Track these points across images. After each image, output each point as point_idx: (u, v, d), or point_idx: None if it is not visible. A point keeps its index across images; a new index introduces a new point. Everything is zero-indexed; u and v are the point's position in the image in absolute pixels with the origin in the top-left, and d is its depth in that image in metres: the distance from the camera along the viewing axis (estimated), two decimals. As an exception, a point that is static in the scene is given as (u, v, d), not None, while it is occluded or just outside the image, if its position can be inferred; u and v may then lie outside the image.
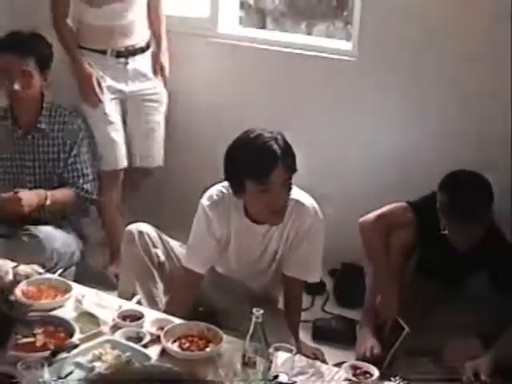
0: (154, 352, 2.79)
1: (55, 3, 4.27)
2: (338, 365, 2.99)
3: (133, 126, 4.48)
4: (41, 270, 3.32)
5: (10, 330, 2.43)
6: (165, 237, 3.64)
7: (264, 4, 5.73)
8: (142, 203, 4.61)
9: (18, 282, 3.18)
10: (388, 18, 4.25)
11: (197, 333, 2.91)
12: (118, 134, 4.39)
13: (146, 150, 4.54)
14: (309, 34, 5.42)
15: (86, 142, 4.07)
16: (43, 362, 2.59)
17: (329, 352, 3.67)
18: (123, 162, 4.44)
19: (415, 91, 4.28)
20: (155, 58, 4.50)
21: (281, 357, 2.65)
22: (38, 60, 3.85)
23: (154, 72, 4.49)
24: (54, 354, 2.69)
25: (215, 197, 3.35)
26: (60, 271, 3.43)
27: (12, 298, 3.00)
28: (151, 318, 3.03)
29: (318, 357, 3.41)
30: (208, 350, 2.82)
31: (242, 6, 5.20)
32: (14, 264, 3.31)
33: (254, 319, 2.53)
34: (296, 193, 3.28)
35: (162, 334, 2.86)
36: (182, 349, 2.82)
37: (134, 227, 3.59)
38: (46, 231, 3.87)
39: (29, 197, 3.82)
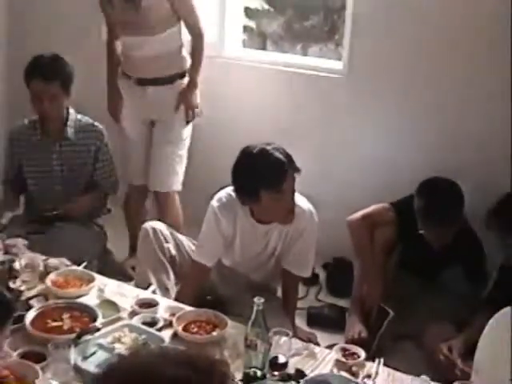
0: (166, 335, 2.81)
1: (108, 28, 4.30)
2: (330, 347, 3.00)
3: (151, 150, 4.38)
4: (68, 263, 3.33)
5: (11, 313, 2.44)
6: (175, 233, 3.66)
7: (264, 28, 5.75)
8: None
9: (48, 273, 3.20)
10: (374, 40, 4.26)
11: (205, 318, 2.92)
12: (134, 152, 4.37)
13: (154, 174, 4.34)
14: (304, 54, 5.43)
15: (108, 149, 4.04)
16: (70, 343, 2.61)
17: (321, 336, 3.66)
18: (137, 179, 4.42)
19: (398, 104, 4.29)
20: (180, 94, 4.25)
21: (279, 340, 2.67)
22: (62, 82, 3.81)
23: (176, 107, 4.24)
24: (80, 336, 2.70)
25: (224, 199, 3.36)
26: (85, 264, 3.44)
27: (12, 285, 3.04)
28: (164, 305, 3.05)
29: (311, 340, 3.39)
30: (214, 333, 2.83)
31: (245, 29, 5.21)
32: (44, 257, 3.33)
33: (255, 307, 2.54)
34: (295, 197, 3.29)
35: (174, 319, 2.87)
36: (192, 333, 2.83)
37: (149, 225, 3.60)
38: (72, 228, 3.87)
39: (84, 203, 3.96)
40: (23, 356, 2.59)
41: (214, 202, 3.37)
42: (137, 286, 3.45)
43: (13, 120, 4.25)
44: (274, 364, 2.61)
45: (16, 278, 3.18)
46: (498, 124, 3.95)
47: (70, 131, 3.92)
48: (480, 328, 2.65)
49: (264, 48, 5.59)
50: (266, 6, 5.61)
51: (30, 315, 2.83)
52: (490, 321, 2.64)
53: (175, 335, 2.82)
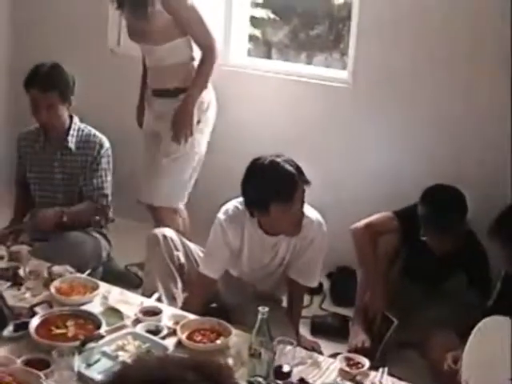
0: (170, 343, 2.81)
1: None
2: (333, 356, 3.00)
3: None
4: (72, 270, 3.33)
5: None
6: (185, 241, 3.65)
7: (270, 37, 5.76)
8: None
9: (52, 280, 3.20)
10: (379, 50, 4.27)
11: (209, 327, 2.92)
12: (143, 166, 4.28)
13: (145, 186, 4.17)
14: (309, 63, 5.44)
15: (106, 160, 3.99)
16: (74, 351, 2.62)
17: (325, 345, 3.66)
18: (139, 195, 4.24)
19: (403, 114, 4.29)
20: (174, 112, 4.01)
21: (283, 349, 2.66)
22: (60, 92, 3.81)
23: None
24: (84, 343, 2.71)
25: (231, 212, 3.35)
26: (89, 271, 3.44)
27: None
28: (168, 313, 3.05)
29: (315, 349, 3.40)
30: (218, 342, 2.83)
31: (250, 38, 5.22)
32: (49, 264, 3.33)
33: (260, 316, 2.54)
34: (304, 207, 3.28)
35: (177, 327, 2.87)
36: (196, 341, 2.83)
37: (159, 231, 3.60)
38: (76, 236, 3.86)
39: (47, 215, 3.78)
40: (27, 363, 2.59)
41: (221, 215, 3.36)
42: (144, 292, 3.44)
43: (18, 127, 4.25)
44: (278, 373, 2.61)
45: (21, 284, 3.19)
46: (502, 134, 3.94)
47: (71, 140, 3.92)
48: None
49: (269, 57, 5.60)
50: (272, 15, 5.61)
51: (34, 322, 2.83)
52: (475, 329, 2.66)
53: (179, 343, 2.82)
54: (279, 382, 2.60)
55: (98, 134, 3.99)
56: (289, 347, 2.66)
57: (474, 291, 3.70)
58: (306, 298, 4.07)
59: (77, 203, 3.94)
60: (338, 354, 2.99)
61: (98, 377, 2.55)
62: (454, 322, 3.56)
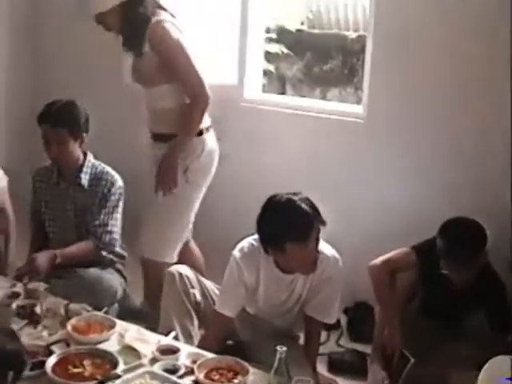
0: (188, 383, 2.79)
1: None
2: (351, 394, 2.98)
3: None
4: (89, 308, 3.33)
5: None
6: (201, 278, 3.64)
7: (284, 72, 5.79)
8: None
9: (69, 319, 3.20)
10: (393, 83, 4.28)
11: (226, 365, 2.90)
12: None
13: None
14: (323, 98, 5.47)
15: (116, 198, 3.98)
16: (91, 391, 2.62)
17: (343, 382, 3.64)
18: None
19: (418, 147, 4.29)
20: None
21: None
22: (70, 129, 3.82)
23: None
24: (101, 383, 2.70)
25: (246, 249, 3.35)
26: (105, 309, 3.44)
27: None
28: (186, 351, 3.03)
29: (333, 387, 3.40)
30: (236, 381, 2.81)
31: (265, 73, 5.25)
32: (66, 302, 3.33)
33: (278, 355, 2.53)
34: (320, 243, 3.27)
35: (195, 366, 2.86)
36: (213, 380, 2.81)
37: (175, 269, 3.59)
38: (93, 273, 3.86)
39: (41, 260, 3.68)
40: (44, 403, 2.59)
41: (236, 252, 3.36)
42: (160, 330, 3.42)
43: (37, 164, 4.29)
44: (296, 413, 2.59)
45: (37, 322, 3.19)
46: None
47: (84, 177, 3.94)
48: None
49: (283, 91, 5.63)
50: (286, 50, 5.66)
51: (51, 361, 2.82)
52: (483, 368, 2.64)
53: (196, 383, 2.80)
54: (298, 422, 2.58)
55: (111, 171, 4.00)
56: (307, 386, 2.64)
57: (493, 327, 3.67)
58: (323, 334, 4.04)
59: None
60: (356, 392, 2.96)
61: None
62: (474, 359, 3.52)
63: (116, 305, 3.98)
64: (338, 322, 4.31)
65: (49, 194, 4.04)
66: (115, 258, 4.04)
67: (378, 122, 4.38)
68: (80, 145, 3.92)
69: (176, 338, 3.30)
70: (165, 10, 3.87)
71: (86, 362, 2.86)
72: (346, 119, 4.52)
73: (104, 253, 3.95)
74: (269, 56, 5.44)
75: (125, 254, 4.08)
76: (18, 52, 5.59)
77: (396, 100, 4.31)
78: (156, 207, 3.91)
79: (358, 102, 4.68)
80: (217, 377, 2.83)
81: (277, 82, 5.83)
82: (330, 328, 4.18)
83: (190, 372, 2.86)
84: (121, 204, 4.01)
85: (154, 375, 2.80)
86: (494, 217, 3.87)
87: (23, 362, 2.48)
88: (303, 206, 3.16)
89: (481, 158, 4.11)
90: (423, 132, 4.26)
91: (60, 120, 3.82)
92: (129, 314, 3.88)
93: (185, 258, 4.08)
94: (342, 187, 4.53)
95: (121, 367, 2.82)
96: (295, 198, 3.18)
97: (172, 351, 3.00)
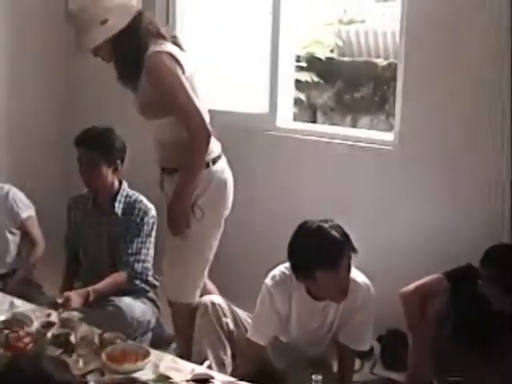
0: (222, 411, 2.81)
1: None
2: (386, 423, 2.96)
3: None
4: (123, 337, 3.35)
5: None
6: (234, 307, 3.66)
7: (314, 100, 5.82)
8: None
9: (104, 347, 3.22)
10: (425, 110, 4.28)
11: (260, 394, 2.92)
12: None
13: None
14: (354, 125, 5.48)
15: (149, 228, 4.00)
16: (128, 421, 2.63)
17: (377, 411, 3.63)
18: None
19: (452, 174, 4.27)
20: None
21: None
22: (102, 154, 3.88)
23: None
24: (136, 412, 2.72)
25: (278, 277, 3.36)
26: (139, 338, 3.45)
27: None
28: (220, 380, 3.03)
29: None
30: (269, 410, 2.82)
31: (296, 102, 5.29)
32: (100, 331, 3.36)
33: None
34: (351, 271, 3.28)
35: (229, 395, 2.87)
36: (246, 408, 2.83)
37: (208, 299, 3.61)
38: (126, 302, 3.88)
39: (75, 299, 3.66)
40: (79, 433, 2.60)
41: (269, 281, 3.38)
42: (194, 359, 3.43)
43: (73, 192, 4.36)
44: None
45: (72, 351, 3.21)
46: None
47: (118, 206, 3.99)
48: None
49: (314, 120, 5.66)
50: (316, 79, 5.69)
51: (83, 391, 2.85)
52: None
53: (230, 411, 2.81)
54: None
55: (144, 200, 4.04)
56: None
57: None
58: (357, 363, 4.01)
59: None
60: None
61: None
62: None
63: (150, 334, 4.00)
64: (372, 349, 4.29)
65: (83, 221, 4.09)
66: (148, 288, 4.07)
67: (411, 149, 4.36)
68: (114, 172, 3.97)
69: (209, 367, 3.32)
70: (164, 38, 3.52)
71: (122, 392, 2.89)
72: (378, 147, 4.51)
73: (137, 282, 3.99)
74: (299, 84, 5.47)
75: (157, 283, 4.09)
76: (49, 78, 5.68)
77: (429, 127, 4.29)
78: (171, 248, 3.66)
79: (390, 129, 4.68)
80: (250, 405, 2.84)
81: (308, 111, 5.85)
82: (363, 356, 4.15)
83: (224, 400, 2.87)
84: (153, 233, 4.04)
85: (188, 404, 2.82)
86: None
87: None
88: (334, 233, 3.17)
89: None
90: (458, 159, 4.23)
91: (94, 144, 3.89)
92: (162, 342, 3.91)
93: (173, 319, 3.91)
94: (373, 214, 4.52)
95: (155, 396, 2.84)
96: (326, 225, 3.20)
97: (206, 380, 3.01)
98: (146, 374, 3.05)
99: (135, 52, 3.45)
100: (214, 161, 3.59)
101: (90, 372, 3.03)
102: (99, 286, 3.83)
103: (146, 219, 3.99)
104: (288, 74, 4.98)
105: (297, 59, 5.44)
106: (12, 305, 3.72)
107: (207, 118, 3.46)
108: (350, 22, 7.27)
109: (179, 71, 3.41)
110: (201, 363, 3.28)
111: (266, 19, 4.84)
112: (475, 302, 3.56)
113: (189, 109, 3.39)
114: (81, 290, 3.78)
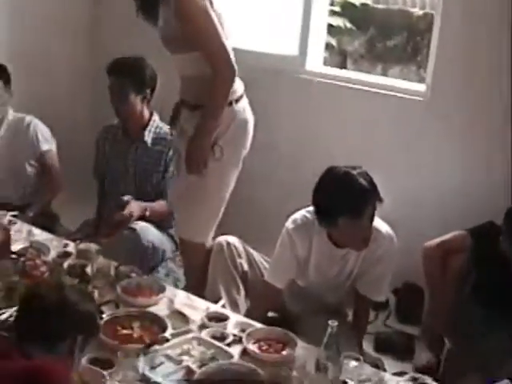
0: (235, 351, 2.80)
1: None
2: (397, 374, 2.96)
3: None
4: (139, 271, 3.36)
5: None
6: (249, 248, 3.65)
7: (345, 46, 5.73)
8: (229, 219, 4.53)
9: (119, 280, 3.23)
10: (458, 65, 4.20)
11: (275, 337, 2.89)
12: None
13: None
14: (384, 75, 5.39)
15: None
16: (139, 352, 2.64)
17: (389, 363, 3.62)
18: None
19: (479, 130, 4.21)
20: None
21: (347, 364, 2.64)
22: (132, 81, 3.92)
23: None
24: (149, 346, 2.73)
25: (299, 221, 3.33)
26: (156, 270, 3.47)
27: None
28: (234, 320, 3.05)
29: (378, 366, 3.37)
30: (284, 353, 2.81)
31: (327, 46, 5.20)
32: (116, 264, 3.36)
33: (329, 329, 2.52)
34: (375, 220, 3.24)
35: (244, 335, 2.86)
36: (261, 350, 2.82)
37: (223, 239, 3.60)
38: (142, 225, 3.89)
39: (135, 206, 3.86)
40: (92, 362, 2.61)
41: (289, 224, 3.35)
42: (206, 298, 3.42)
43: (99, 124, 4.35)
44: (344, 388, 2.59)
45: (88, 282, 3.22)
46: None
47: (147, 135, 4.01)
48: None
49: (344, 66, 5.58)
50: (349, 25, 5.59)
51: (101, 322, 2.85)
52: None
53: (244, 351, 2.81)
54: (344, 397, 2.58)
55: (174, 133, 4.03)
56: (354, 363, 2.63)
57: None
58: (371, 314, 4.02)
59: (146, 201, 3.98)
60: (402, 373, 2.94)
61: (162, 380, 2.57)
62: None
63: (162, 270, 4.00)
64: (387, 302, 4.30)
65: (111, 150, 4.14)
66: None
67: (441, 102, 4.30)
68: (143, 101, 3.99)
69: (223, 306, 3.32)
70: None
71: (135, 325, 2.89)
72: (409, 97, 4.45)
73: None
74: (331, 29, 5.38)
75: None
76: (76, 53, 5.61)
77: (460, 81, 4.22)
78: (188, 186, 3.54)
79: (420, 80, 4.61)
80: (265, 347, 2.84)
81: (338, 57, 5.76)
82: (378, 307, 4.17)
83: (238, 341, 2.87)
84: None
85: (201, 341, 2.83)
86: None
87: (96, 327, 2.46)
88: (361, 180, 3.12)
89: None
90: (486, 115, 4.16)
91: (125, 71, 3.92)
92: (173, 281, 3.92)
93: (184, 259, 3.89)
94: (399, 165, 4.48)
95: (169, 331, 2.85)
96: (354, 171, 3.14)
97: (220, 319, 3.02)
98: (160, 310, 3.07)
99: None
100: (237, 100, 3.50)
101: (104, 303, 3.05)
102: (155, 205, 3.95)
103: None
104: (321, 18, 4.89)
105: (331, 3, 5.36)
106: (30, 233, 3.76)
107: (233, 56, 3.37)
108: (387, -31, 7.16)
109: (207, 3, 3.30)
110: (215, 302, 3.28)
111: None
112: (497, 258, 3.52)
113: (216, 44, 3.30)
114: (141, 204, 3.90)
